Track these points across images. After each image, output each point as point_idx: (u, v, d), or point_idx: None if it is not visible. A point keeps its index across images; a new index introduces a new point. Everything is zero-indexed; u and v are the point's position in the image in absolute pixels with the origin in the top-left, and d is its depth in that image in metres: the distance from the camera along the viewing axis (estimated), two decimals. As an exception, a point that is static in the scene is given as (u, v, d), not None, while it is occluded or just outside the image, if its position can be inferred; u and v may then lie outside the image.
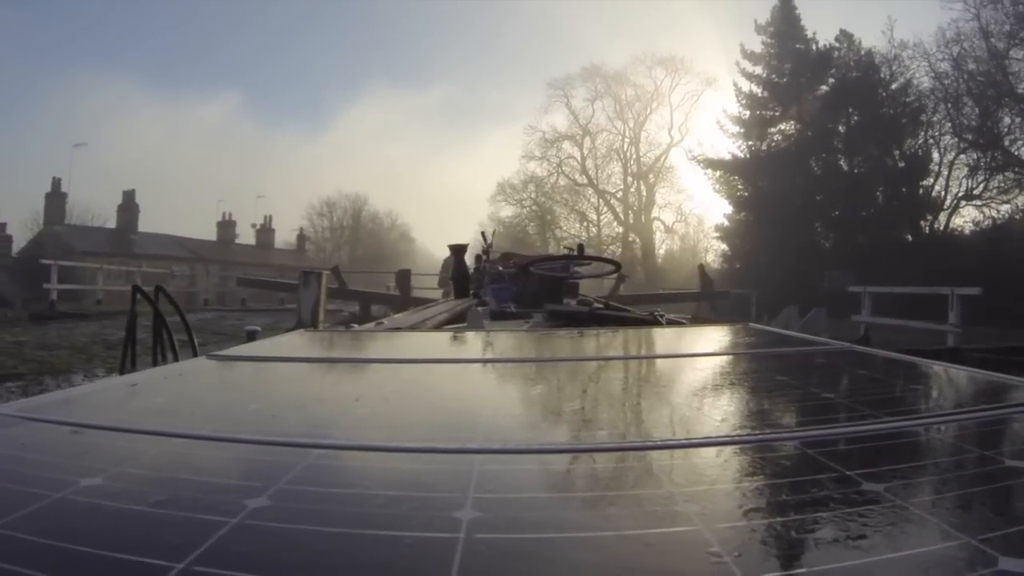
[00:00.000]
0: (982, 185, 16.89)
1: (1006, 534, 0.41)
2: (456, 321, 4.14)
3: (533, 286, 5.19)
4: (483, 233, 6.88)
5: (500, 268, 6.12)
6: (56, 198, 23.87)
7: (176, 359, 4.51)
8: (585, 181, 30.42)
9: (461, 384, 1.11)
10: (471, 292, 6.18)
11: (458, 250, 7.29)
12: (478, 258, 7.09)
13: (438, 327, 3.56)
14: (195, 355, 4.48)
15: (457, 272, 7.18)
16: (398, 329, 2.84)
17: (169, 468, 0.58)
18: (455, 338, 2.22)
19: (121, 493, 0.50)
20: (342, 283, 12.26)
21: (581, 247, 7.16)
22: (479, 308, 4.73)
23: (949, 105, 16.83)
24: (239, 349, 1.55)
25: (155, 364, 4.97)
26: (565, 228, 29.60)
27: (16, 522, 0.43)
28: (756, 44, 20.72)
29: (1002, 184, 16.60)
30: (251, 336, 6.98)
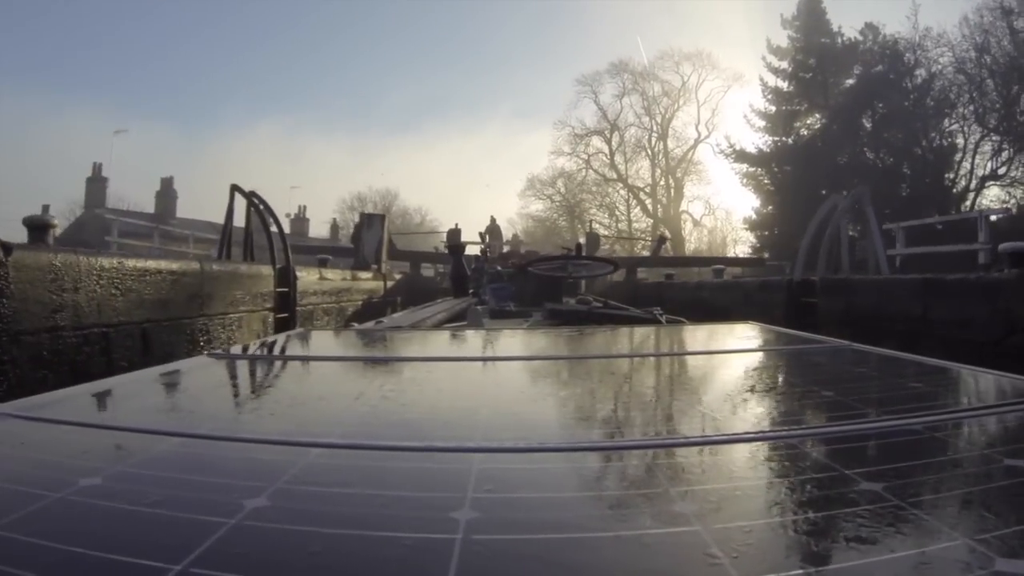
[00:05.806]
0: (1005, 167, 16.87)
1: (1003, 534, 0.41)
2: (455, 320, 4.14)
3: (532, 285, 5.19)
4: (480, 232, 6.87)
5: (499, 268, 6.12)
6: (96, 182, 24.26)
7: (272, 257, 4.47)
8: (614, 176, 30.42)
9: (460, 383, 1.11)
10: (470, 291, 6.18)
11: (456, 249, 7.29)
12: (477, 259, 7.09)
13: (437, 326, 3.57)
14: (288, 258, 4.46)
15: (456, 271, 7.17)
16: (397, 328, 2.85)
17: (168, 468, 0.58)
18: (454, 337, 2.22)
19: (120, 493, 0.50)
20: (392, 244, 12.42)
21: (579, 246, 7.15)
22: (478, 307, 4.74)
23: (974, 91, 16.79)
24: (239, 348, 1.55)
25: (245, 259, 4.98)
26: (596, 221, 29.57)
27: (15, 523, 0.43)
28: (782, 38, 20.79)
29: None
30: (323, 263, 7.07)
